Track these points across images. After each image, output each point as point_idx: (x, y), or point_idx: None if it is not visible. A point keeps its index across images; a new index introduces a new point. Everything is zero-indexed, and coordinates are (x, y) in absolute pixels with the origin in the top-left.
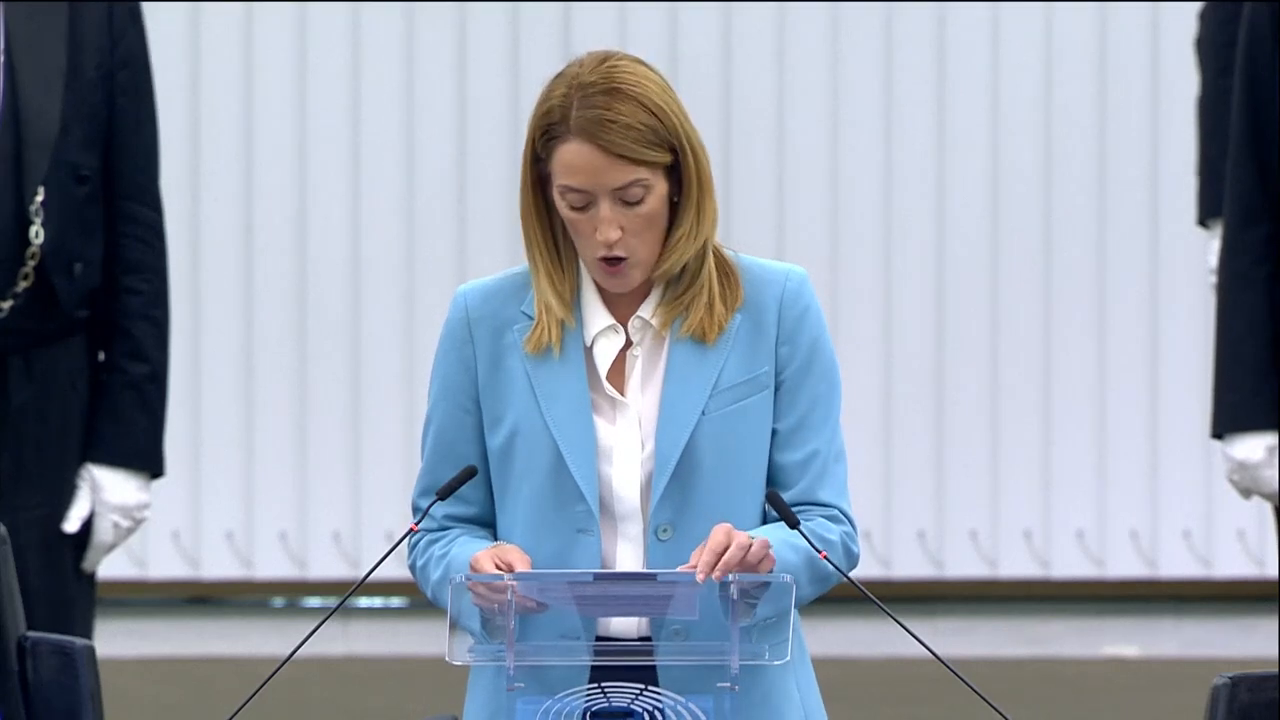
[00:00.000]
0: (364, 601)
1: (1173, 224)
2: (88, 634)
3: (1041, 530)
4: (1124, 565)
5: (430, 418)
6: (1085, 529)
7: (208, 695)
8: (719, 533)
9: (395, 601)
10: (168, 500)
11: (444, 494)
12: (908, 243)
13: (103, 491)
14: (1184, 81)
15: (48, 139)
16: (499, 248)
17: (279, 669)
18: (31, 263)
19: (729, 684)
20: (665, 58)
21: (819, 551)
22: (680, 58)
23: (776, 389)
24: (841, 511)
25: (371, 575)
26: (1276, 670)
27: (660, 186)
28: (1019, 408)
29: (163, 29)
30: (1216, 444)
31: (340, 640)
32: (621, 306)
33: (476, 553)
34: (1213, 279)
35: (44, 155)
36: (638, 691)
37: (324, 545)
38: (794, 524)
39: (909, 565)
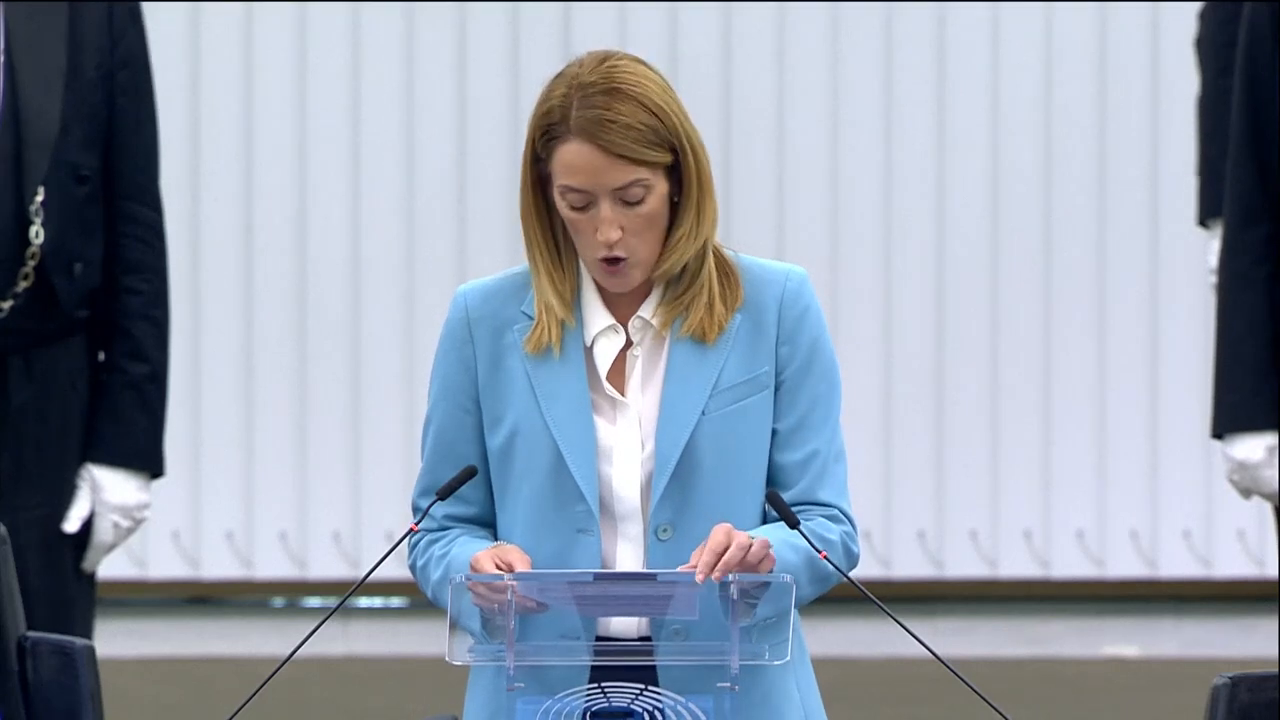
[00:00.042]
0: (364, 601)
1: (1173, 224)
2: (88, 634)
3: (1041, 530)
4: (1124, 565)
5: (430, 418)
6: (1085, 529)
7: (208, 695)
8: (719, 533)
9: (395, 601)
10: (168, 500)
11: (444, 494)
12: (908, 243)
13: (103, 491)
14: (1184, 81)
15: (48, 139)
16: (499, 248)
17: (279, 669)
18: (31, 263)
19: (729, 684)
20: (665, 58)
21: (819, 551)
22: (680, 58)
23: (776, 389)
24: (841, 511)
25: (371, 575)
26: (1276, 670)
27: (660, 186)
28: (1019, 408)
29: (163, 29)
30: (1216, 444)
31: (340, 640)
32: (622, 306)
33: (476, 553)
34: (1213, 279)
35: (44, 155)
36: (638, 691)
37: (324, 545)
38: (794, 524)
39: (909, 565)
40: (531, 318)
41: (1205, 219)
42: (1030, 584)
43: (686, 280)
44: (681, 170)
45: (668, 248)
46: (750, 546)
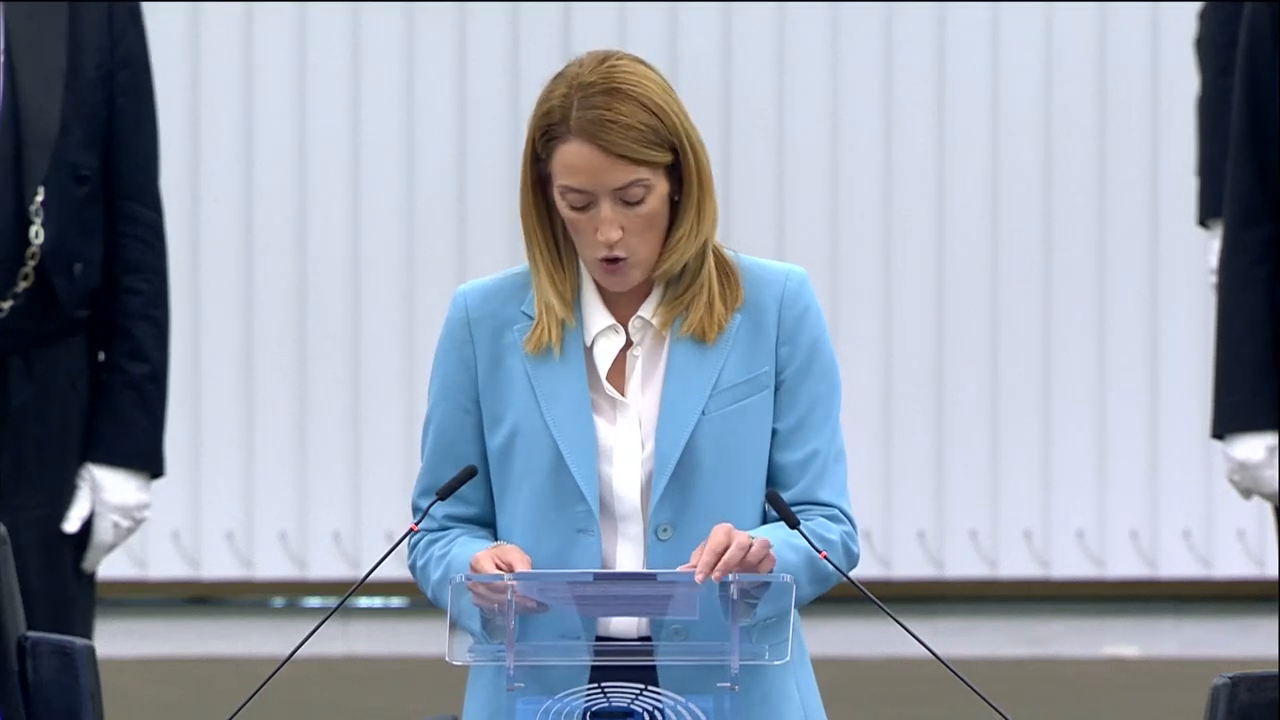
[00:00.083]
0: (364, 601)
1: (1173, 224)
2: (88, 634)
3: (1041, 530)
4: (1124, 565)
5: (430, 418)
6: (1085, 529)
7: (208, 695)
8: (719, 533)
9: (395, 601)
10: (168, 500)
11: (444, 494)
12: (908, 243)
13: (103, 491)
14: (1184, 81)
15: (48, 139)
16: (499, 248)
17: (279, 669)
18: (31, 263)
19: (729, 684)
20: (665, 58)
21: (819, 551)
22: (680, 58)
23: (776, 389)
24: (841, 511)
25: (371, 575)
26: (1276, 670)
27: (661, 186)
28: (1019, 408)
29: (163, 29)
30: (1217, 444)
31: (340, 640)
32: (622, 306)
33: (476, 553)
34: (1213, 279)
35: (44, 155)
36: (638, 691)
37: (324, 545)
38: (794, 524)
39: (909, 565)
40: (531, 318)
41: (1205, 219)
42: (1030, 584)
43: (686, 280)
44: (682, 170)
45: (668, 247)
46: (750, 547)
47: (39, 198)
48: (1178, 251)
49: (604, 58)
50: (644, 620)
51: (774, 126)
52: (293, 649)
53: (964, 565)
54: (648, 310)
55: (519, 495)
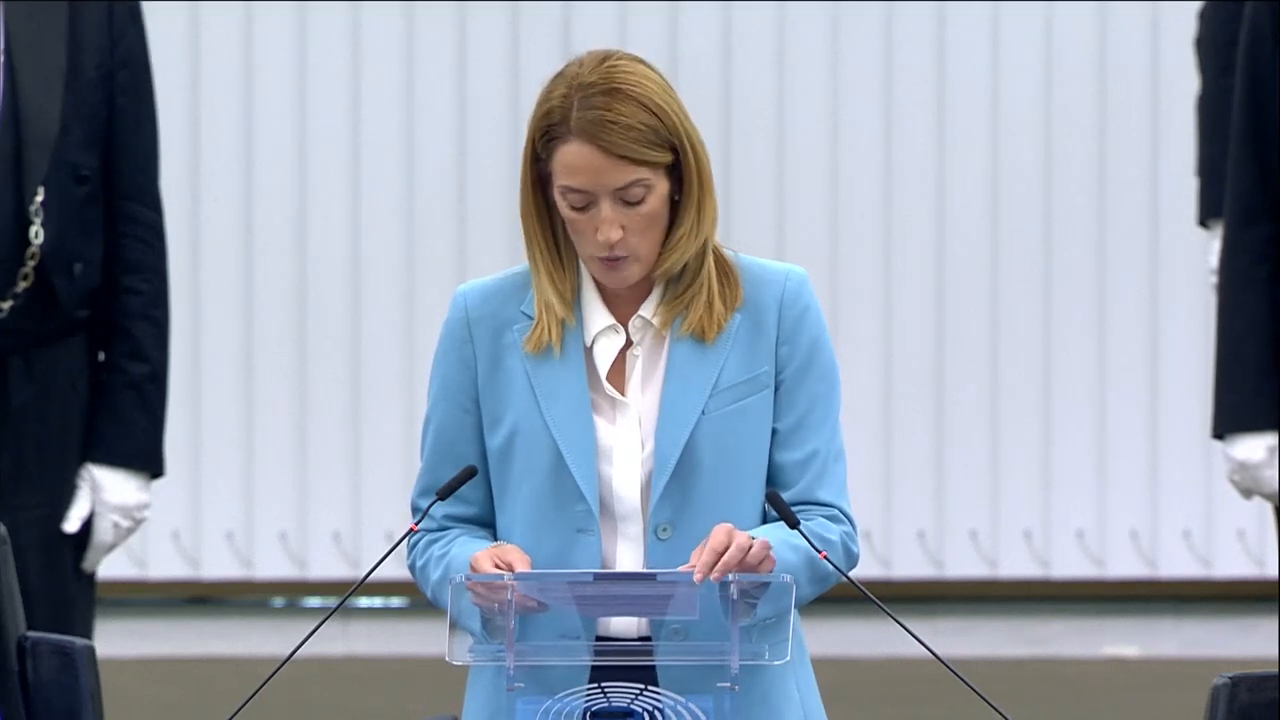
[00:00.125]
0: (364, 601)
1: (1173, 224)
2: (88, 634)
3: (1041, 530)
4: (1124, 565)
5: (430, 417)
6: (1085, 529)
7: (208, 695)
8: (720, 532)
9: (395, 601)
10: (168, 500)
11: (444, 494)
12: (908, 243)
13: (103, 491)
14: (1184, 81)
15: (48, 139)
16: (499, 248)
17: (279, 669)
18: (31, 263)
19: (729, 684)
20: (665, 58)
21: (819, 551)
22: (680, 58)
23: (776, 389)
24: (841, 511)
25: (371, 575)
26: (1276, 670)
27: (661, 186)
28: (1019, 408)
29: (163, 29)
30: (1217, 444)
31: (340, 640)
32: (622, 306)
33: (476, 553)
34: (1213, 279)
35: (44, 155)
36: (638, 691)
37: (324, 545)
38: (794, 524)
39: (909, 565)
40: (531, 317)
41: (1205, 219)
42: (1030, 584)
43: (686, 279)
44: (682, 169)
45: (668, 247)
46: (750, 548)
47: (39, 198)
48: (1178, 251)
49: (604, 58)
50: (644, 620)
51: (774, 126)
52: (293, 649)
53: (964, 565)
54: (648, 310)
55: (519, 495)
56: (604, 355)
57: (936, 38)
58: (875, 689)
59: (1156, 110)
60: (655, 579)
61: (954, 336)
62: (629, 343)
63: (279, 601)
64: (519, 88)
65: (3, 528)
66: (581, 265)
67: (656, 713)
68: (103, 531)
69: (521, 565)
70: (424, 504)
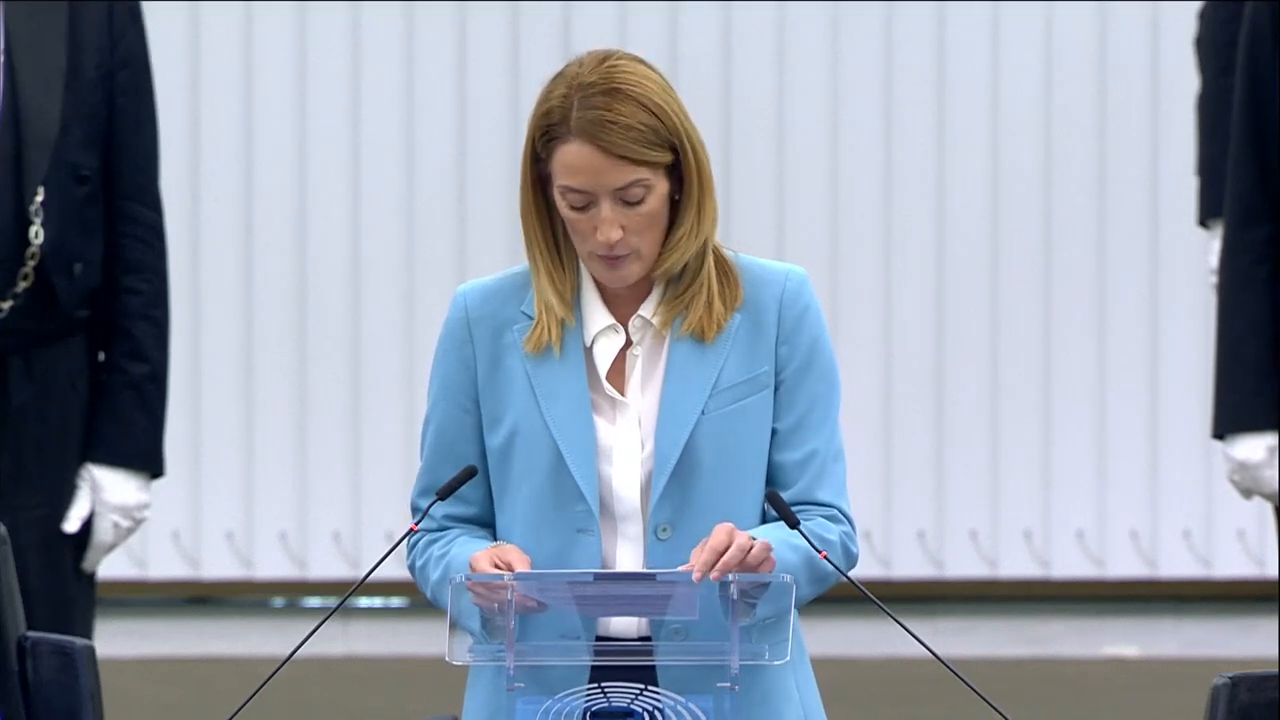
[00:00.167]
0: (364, 601)
1: (1173, 224)
2: (88, 634)
3: (1041, 530)
4: (1124, 565)
5: (430, 417)
6: (1085, 529)
7: (208, 695)
8: (720, 532)
9: (395, 601)
10: (168, 500)
11: (444, 494)
12: (908, 243)
13: (103, 491)
14: (1184, 81)
15: (48, 139)
16: (499, 248)
17: (279, 669)
18: (31, 263)
19: (729, 684)
20: (665, 58)
21: (819, 551)
22: (680, 58)
23: (776, 389)
24: (840, 511)
25: (371, 575)
26: (1276, 670)
27: (661, 186)
28: (1019, 408)
29: (163, 29)
30: (1217, 444)
31: (340, 640)
32: (622, 306)
33: (476, 553)
34: (1213, 279)
35: (44, 155)
36: (638, 691)
37: (324, 545)
38: (794, 524)
39: (909, 565)
40: (531, 317)
41: (1205, 219)
42: (1030, 584)
43: (686, 279)
44: (682, 169)
45: (668, 246)
46: (750, 549)
47: (39, 198)
48: (1178, 251)
49: (604, 58)
50: (644, 620)
51: (774, 126)
52: (293, 649)
53: (964, 565)
54: (648, 310)
55: (519, 495)
56: (604, 355)
57: (936, 38)
58: (875, 689)
59: (1156, 110)
60: (655, 579)
61: (954, 336)
62: (629, 343)
63: (279, 601)
64: (519, 88)
65: (3, 528)
66: (581, 265)
67: (656, 713)
68: (103, 531)
69: (521, 565)
70: (424, 504)
